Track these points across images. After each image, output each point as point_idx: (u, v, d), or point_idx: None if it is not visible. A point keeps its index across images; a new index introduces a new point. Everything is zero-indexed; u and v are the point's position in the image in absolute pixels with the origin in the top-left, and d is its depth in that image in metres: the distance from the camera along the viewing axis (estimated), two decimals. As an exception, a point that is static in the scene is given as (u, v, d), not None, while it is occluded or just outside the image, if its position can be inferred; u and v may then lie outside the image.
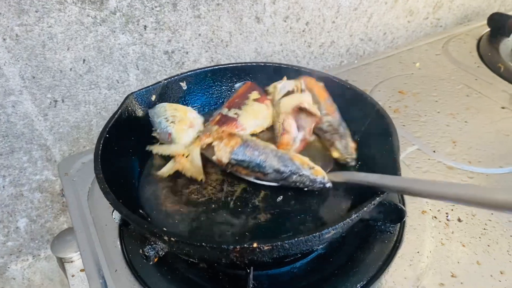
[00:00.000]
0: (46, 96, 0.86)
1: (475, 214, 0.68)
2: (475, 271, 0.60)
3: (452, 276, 0.59)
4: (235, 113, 0.72)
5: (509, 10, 1.37)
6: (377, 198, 0.51)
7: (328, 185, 0.60)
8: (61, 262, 0.79)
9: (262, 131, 0.74)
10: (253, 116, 0.72)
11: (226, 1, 0.93)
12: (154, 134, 0.73)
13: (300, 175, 0.60)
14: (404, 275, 0.59)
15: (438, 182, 0.47)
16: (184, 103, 0.78)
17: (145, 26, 0.88)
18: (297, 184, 0.61)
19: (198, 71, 0.78)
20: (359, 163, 0.68)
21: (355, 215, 0.50)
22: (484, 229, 0.65)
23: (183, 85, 0.77)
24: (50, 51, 0.82)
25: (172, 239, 0.48)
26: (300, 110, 0.69)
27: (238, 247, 0.47)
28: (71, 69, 0.86)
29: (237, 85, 0.79)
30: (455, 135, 0.83)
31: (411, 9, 1.23)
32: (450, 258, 0.61)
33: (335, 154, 0.67)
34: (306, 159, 0.62)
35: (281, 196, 0.64)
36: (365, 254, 0.62)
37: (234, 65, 0.79)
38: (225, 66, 0.79)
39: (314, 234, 0.48)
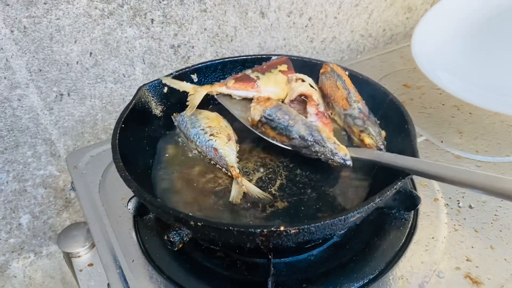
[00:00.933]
0: (52, 89, 0.86)
1: (485, 201, 0.69)
2: (489, 255, 0.61)
3: (467, 260, 0.60)
4: (257, 76, 0.73)
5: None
6: (399, 183, 0.52)
7: (349, 163, 0.61)
8: (68, 257, 0.78)
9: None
10: (273, 83, 0.74)
11: (232, -5, 0.94)
12: (193, 147, 0.71)
13: (323, 146, 0.62)
14: (421, 260, 0.60)
15: (473, 171, 0.48)
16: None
17: (152, 19, 0.88)
18: (318, 154, 0.63)
19: (209, 63, 0.78)
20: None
21: (379, 199, 0.50)
22: (496, 215, 0.67)
23: (194, 77, 0.77)
24: (58, 44, 0.81)
25: (198, 223, 0.48)
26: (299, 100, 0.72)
27: (265, 230, 0.47)
28: (77, 62, 0.85)
29: (273, 57, 0.80)
30: (461, 126, 0.85)
31: (410, 6, 1.25)
32: (464, 243, 0.63)
33: (368, 140, 0.66)
34: (333, 136, 0.64)
35: (298, 185, 0.64)
36: (381, 240, 0.63)
37: (244, 57, 0.80)
38: (235, 58, 0.80)
39: (340, 218, 0.48)
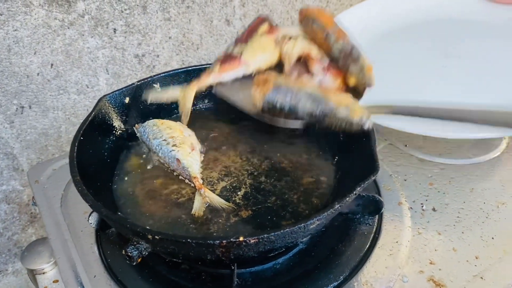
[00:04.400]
0: (12, 102, 0.84)
1: (448, 203, 0.70)
2: (451, 257, 0.62)
3: (430, 263, 0.61)
4: (239, 52, 0.68)
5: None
6: (358, 188, 0.52)
7: (367, 125, 0.56)
8: (32, 274, 0.76)
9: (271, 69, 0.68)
10: (259, 50, 0.68)
11: (196, 3, 0.93)
12: (155, 158, 0.69)
13: (334, 117, 0.56)
14: (385, 265, 0.60)
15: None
16: (159, 105, 0.77)
17: (114, 29, 0.87)
18: (333, 127, 0.57)
19: (171, 72, 0.77)
20: (336, 158, 0.69)
21: (338, 205, 0.50)
22: (458, 217, 0.67)
23: (157, 87, 0.76)
24: (16, 56, 0.80)
25: (156, 237, 0.47)
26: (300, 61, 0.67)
27: (224, 241, 0.46)
28: (38, 74, 0.83)
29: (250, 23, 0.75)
30: (424, 130, 0.86)
31: (375, 11, 1.27)
32: (427, 246, 0.63)
33: (352, 81, 0.60)
34: (344, 97, 0.58)
35: (262, 193, 0.64)
36: (346, 246, 0.63)
37: (208, 65, 0.79)
38: (198, 66, 0.79)
39: (300, 225, 0.48)
